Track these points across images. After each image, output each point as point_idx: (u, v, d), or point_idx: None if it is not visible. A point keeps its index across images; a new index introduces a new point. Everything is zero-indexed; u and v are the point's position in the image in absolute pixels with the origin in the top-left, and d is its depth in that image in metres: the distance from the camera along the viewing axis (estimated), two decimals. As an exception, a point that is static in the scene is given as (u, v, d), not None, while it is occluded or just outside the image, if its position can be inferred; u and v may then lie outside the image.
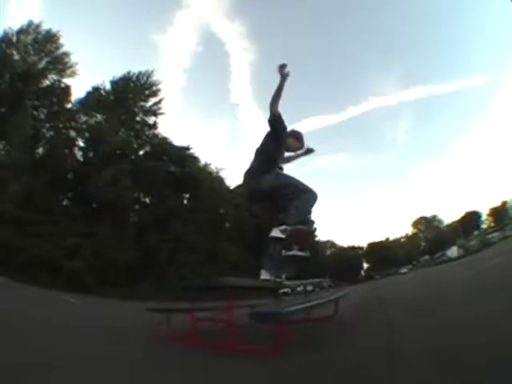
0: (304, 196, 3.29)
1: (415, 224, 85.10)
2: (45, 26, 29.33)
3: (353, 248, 75.81)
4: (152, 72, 33.48)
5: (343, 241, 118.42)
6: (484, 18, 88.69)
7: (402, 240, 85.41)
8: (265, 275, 3.45)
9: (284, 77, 3.28)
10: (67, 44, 30.84)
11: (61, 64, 29.54)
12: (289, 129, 3.70)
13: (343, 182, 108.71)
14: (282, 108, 3.40)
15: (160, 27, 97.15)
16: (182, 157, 31.24)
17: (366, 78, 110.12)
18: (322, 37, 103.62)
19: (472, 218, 69.45)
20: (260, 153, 3.54)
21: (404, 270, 56.40)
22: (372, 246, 77.32)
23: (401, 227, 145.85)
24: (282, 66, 3.28)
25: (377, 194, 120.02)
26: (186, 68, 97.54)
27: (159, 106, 33.34)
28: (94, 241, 23.95)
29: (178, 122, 71.81)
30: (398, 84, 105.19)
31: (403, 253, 75.82)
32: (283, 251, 3.39)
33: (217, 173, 34.95)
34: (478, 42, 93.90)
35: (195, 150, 33.56)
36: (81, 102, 30.19)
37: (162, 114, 33.38)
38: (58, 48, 29.57)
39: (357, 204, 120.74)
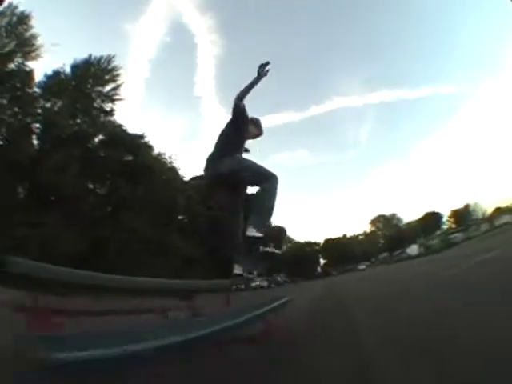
0: (267, 186, 3.20)
1: (373, 222, 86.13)
2: (21, 8, 27.79)
3: (309, 244, 75.61)
4: (113, 57, 31.98)
5: (300, 236, 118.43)
6: (457, 28, 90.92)
7: (360, 237, 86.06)
8: (238, 270, 3.40)
9: (260, 76, 3.27)
10: (37, 26, 29.00)
11: (28, 46, 28.17)
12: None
13: (303, 178, 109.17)
14: (245, 101, 3.40)
15: (132, 15, 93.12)
16: (136, 145, 30.58)
17: (332, 77, 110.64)
18: (292, 35, 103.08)
19: (432, 218, 71.10)
20: (220, 138, 3.48)
21: (362, 267, 57.40)
22: (329, 241, 77.86)
23: (359, 225, 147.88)
24: (262, 66, 3.28)
25: (336, 192, 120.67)
26: (151, 58, 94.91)
27: (117, 91, 32.18)
28: (43, 232, 22.98)
29: (138, 112, 70.15)
30: (364, 86, 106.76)
31: (361, 250, 76.33)
32: (261, 247, 3.24)
33: (170, 163, 34.32)
34: (451, 50, 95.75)
35: (150, 140, 32.67)
36: (41, 86, 28.84)
37: (119, 99, 32.14)
38: (27, 30, 28.03)
39: (315, 200, 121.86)
